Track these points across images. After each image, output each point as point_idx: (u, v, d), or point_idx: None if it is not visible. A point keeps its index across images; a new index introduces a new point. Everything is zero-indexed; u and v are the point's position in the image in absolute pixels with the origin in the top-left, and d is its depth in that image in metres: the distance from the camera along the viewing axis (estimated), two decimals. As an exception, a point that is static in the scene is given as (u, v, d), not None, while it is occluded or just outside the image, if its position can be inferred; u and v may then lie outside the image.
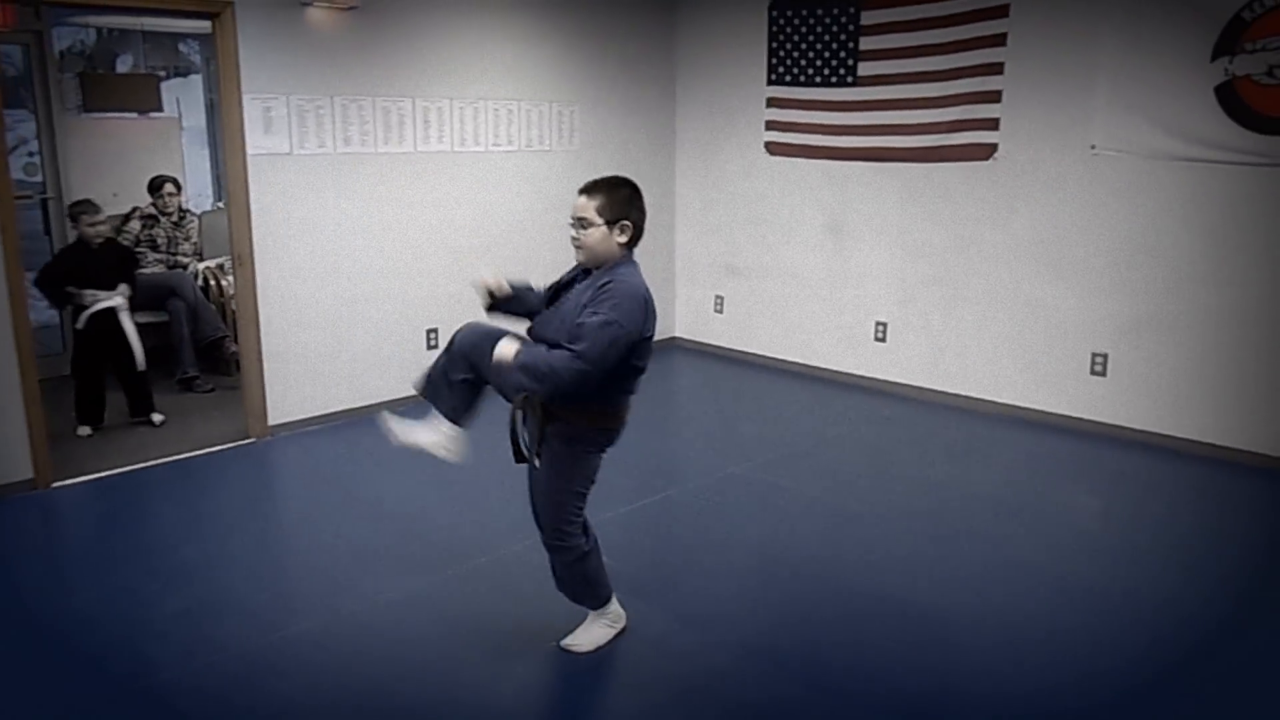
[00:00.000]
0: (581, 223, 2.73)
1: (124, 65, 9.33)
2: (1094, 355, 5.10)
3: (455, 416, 2.92)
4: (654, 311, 2.75)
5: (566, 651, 3.03)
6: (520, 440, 2.81)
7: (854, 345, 6.13)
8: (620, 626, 3.12)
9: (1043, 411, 5.31)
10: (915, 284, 5.77)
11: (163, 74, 7.73)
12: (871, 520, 4.07)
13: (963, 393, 5.64)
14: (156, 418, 5.25)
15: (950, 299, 5.63)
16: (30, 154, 6.53)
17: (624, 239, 2.76)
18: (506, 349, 2.67)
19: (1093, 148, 4.94)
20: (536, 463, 2.80)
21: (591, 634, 3.07)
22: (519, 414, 2.78)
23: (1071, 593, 3.43)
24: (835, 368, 6.24)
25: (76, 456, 4.71)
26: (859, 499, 4.29)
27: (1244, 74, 4.42)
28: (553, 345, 2.64)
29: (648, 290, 2.74)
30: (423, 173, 5.52)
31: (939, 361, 5.73)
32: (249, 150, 4.83)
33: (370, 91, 5.23)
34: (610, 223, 2.73)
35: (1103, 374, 5.08)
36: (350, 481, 4.53)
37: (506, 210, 5.97)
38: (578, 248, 2.77)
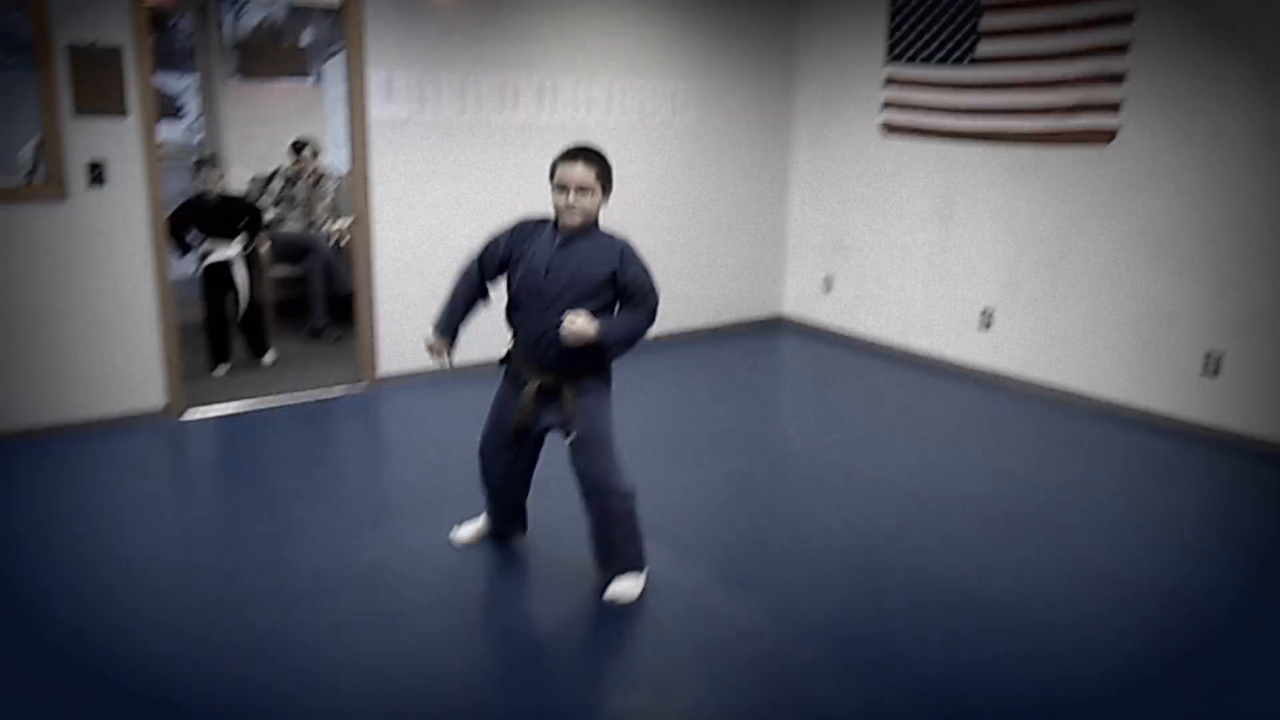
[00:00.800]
0: (583, 191, 2.90)
1: (306, 38, 10.06)
2: (1207, 354, 4.84)
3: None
4: None
5: (614, 602, 3.17)
6: (538, 421, 3.08)
7: (957, 331, 6.01)
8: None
9: (1145, 411, 5.09)
10: (1023, 271, 5.60)
11: (335, 50, 8.27)
12: (932, 503, 4.04)
13: (1064, 386, 5.45)
14: (267, 359, 5.74)
15: (1059, 288, 5.44)
16: (195, 117, 7.14)
17: (605, 203, 2.99)
18: (586, 327, 2.84)
19: (1219, 134, 4.67)
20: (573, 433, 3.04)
21: (629, 585, 3.21)
22: (533, 396, 3.03)
23: (1129, 596, 3.33)
24: (937, 354, 6.13)
25: (206, 391, 5.19)
26: (924, 482, 4.26)
27: (1389, 58, 4.10)
28: (574, 304, 2.90)
29: None
30: (535, 143, 5.74)
31: (1042, 352, 5.55)
32: (371, 116, 5.17)
33: (488, 64, 5.48)
34: (604, 189, 2.95)
35: (1215, 374, 4.82)
36: (439, 430, 4.82)
37: (616, 180, 6.12)
38: (571, 209, 2.92)
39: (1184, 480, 4.43)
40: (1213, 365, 4.83)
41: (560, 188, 2.92)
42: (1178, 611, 3.25)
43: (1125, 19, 4.92)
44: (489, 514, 3.51)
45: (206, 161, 5.62)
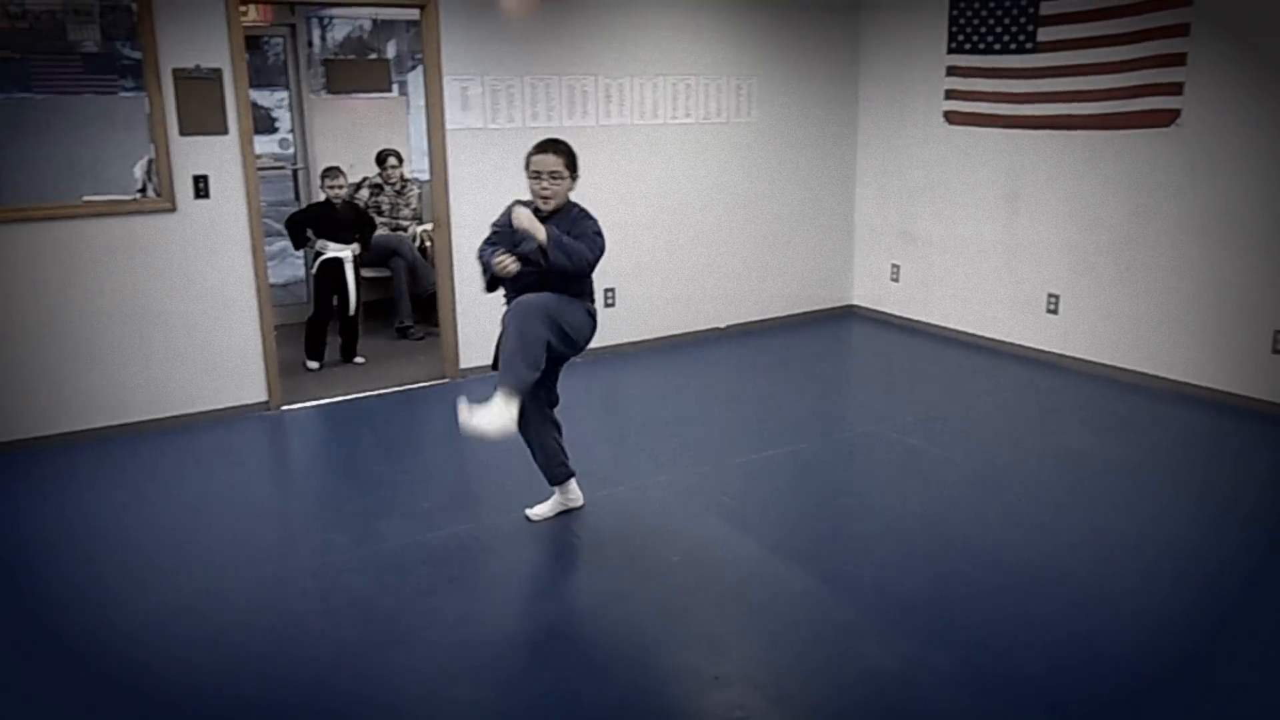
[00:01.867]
0: (554, 176, 3.38)
1: (390, 50, 10.55)
2: (1276, 332, 4.82)
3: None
4: None
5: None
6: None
7: (1026, 316, 6.05)
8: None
9: (1215, 390, 5.08)
10: (1089, 255, 5.63)
11: (420, 58, 8.67)
12: (993, 481, 4.15)
13: (1133, 367, 5.46)
14: (359, 360, 6.10)
15: (1125, 271, 5.45)
16: (289, 130, 7.59)
17: (573, 186, 3.47)
18: (538, 229, 3.22)
19: (1282, 112, 4.66)
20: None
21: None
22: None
23: (1181, 568, 3.41)
24: (1006, 338, 6.18)
25: (302, 386, 5.58)
26: (988, 462, 4.36)
27: None
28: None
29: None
30: (603, 144, 5.99)
31: (1110, 334, 5.57)
32: (448, 125, 5.48)
33: (557, 71, 5.75)
34: (571, 175, 3.43)
35: (1285, 352, 4.80)
36: (519, 419, 5.10)
37: (683, 179, 6.34)
38: (547, 197, 3.39)
39: (1253, 457, 4.43)
40: (1282, 343, 4.81)
41: (535, 175, 3.39)
42: (1237, 584, 3.31)
43: (1184, 0, 4.93)
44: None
45: (331, 170, 6.05)
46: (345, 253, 5.93)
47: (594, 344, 6.17)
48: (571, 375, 5.54)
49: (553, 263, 3.28)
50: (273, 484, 4.49)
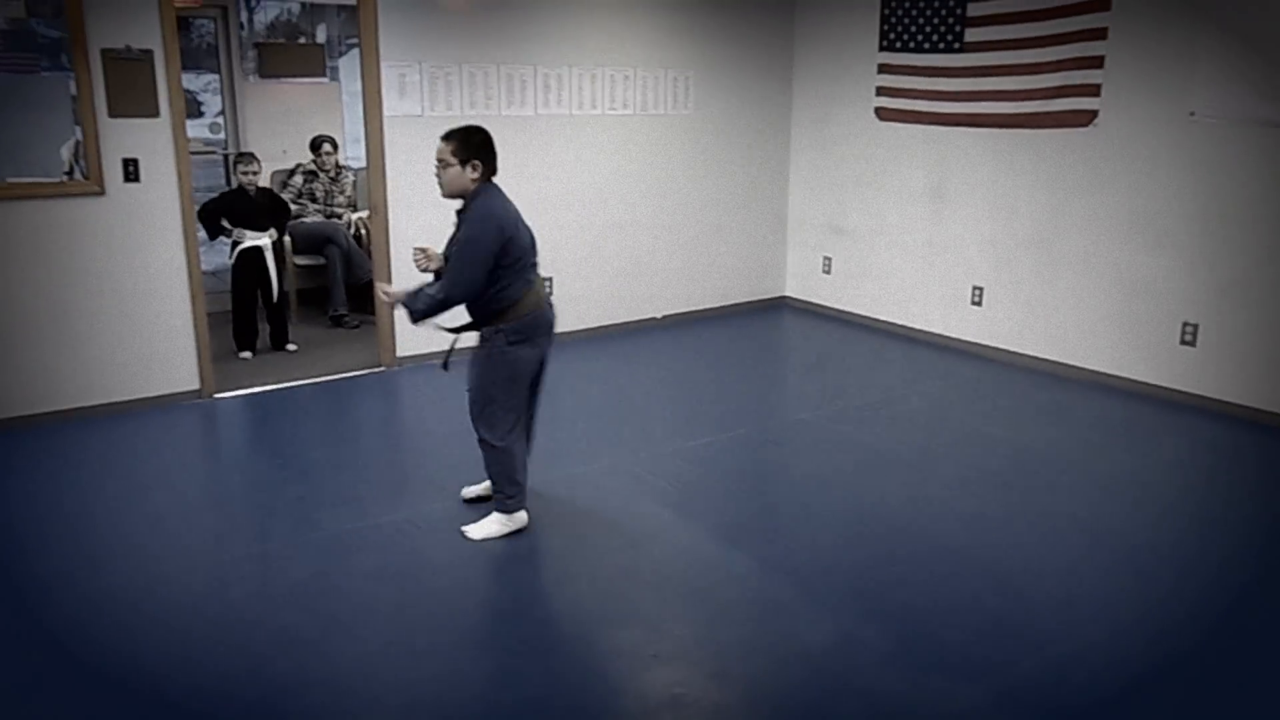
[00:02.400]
0: (441, 163, 3.38)
1: (321, 35, 10.41)
2: (1184, 324, 5.07)
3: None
4: (510, 222, 3.38)
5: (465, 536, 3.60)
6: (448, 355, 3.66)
7: (951, 308, 6.25)
8: (515, 528, 3.61)
9: (1130, 379, 5.33)
10: (1011, 249, 5.84)
11: (352, 43, 8.58)
12: (921, 467, 4.30)
13: (1053, 358, 5.69)
14: (290, 347, 6.03)
15: (1045, 265, 5.68)
16: (217, 115, 7.46)
17: (475, 175, 3.37)
18: (395, 296, 3.49)
19: (1191, 114, 4.89)
20: (445, 367, 3.67)
21: (488, 527, 3.61)
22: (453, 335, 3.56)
23: (1099, 549, 3.59)
24: (934, 330, 6.38)
25: (235, 374, 5.51)
26: (915, 449, 4.52)
27: (1349, 38, 4.31)
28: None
29: (501, 207, 3.38)
30: (542, 134, 6.02)
31: (1032, 326, 5.80)
32: (385, 112, 5.45)
33: (496, 59, 5.75)
34: (463, 162, 3.35)
35: (1192, 344, 5.05)
36: (454, 406, 5.09)
37: (621, 170, 6.40)
38: (440, 183, 3.42)
39: (1162, 444, 4.67)
40: (1189, 335, 5.06)
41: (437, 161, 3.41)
42: (1153, 564, 3.50)
43: (1103, 5, 5.14)
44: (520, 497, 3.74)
45: (245, 156, 5.93)
46: (263, 240, 5.84)
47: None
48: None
49: (419, 321, 3.42)
50: (207, 472, 4.44)
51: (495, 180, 3.45)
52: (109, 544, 3.56)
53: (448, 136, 3.39)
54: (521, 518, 3.64)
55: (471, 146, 3.37)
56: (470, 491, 3.88)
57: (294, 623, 3.05)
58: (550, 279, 6.22)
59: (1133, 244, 5.24)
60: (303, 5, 9.54)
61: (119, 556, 3.45)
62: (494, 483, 3.61)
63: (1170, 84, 4.96)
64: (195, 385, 5.13)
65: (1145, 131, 5.10)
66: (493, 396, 3.48)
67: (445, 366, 3.69)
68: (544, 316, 3.53)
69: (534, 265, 3.51)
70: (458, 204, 3.44)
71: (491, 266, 3.33)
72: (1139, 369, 5.30)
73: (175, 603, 3.17)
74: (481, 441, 3.55)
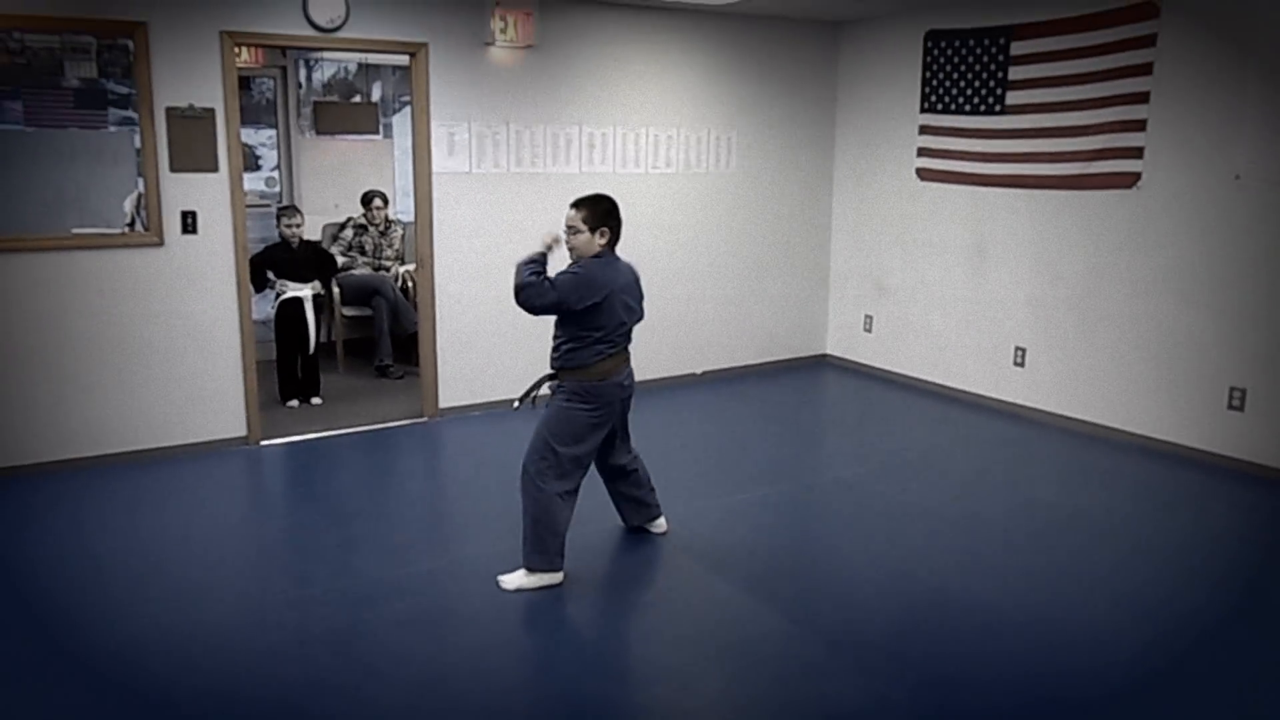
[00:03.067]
0: (572, 230, 3.59)
1: (376, 93, 10.74)
2: (1231, 389, 4.99)
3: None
4: (603, 292, 3.54)
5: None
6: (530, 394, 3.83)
7: (993, 368, 6.21)
8: (546, 584, 3.62)
9: (1174, 444, 5.24)
10: (1054, 310, 5.81)
11: (405, 101, 8.83)
12: (959, 528, 4.25)
13: (1095, 420, 5.62)
14: (315, 401, 6.07)
15: (1088, 326, 5.63)
16: (273, 169, 7.71)
17: (603, 241, 3.61)
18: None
19: (1237, 177, 4.87)
20: (516, 405, 3.85)
21: (520, 579, 3.61)
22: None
23: (1136, 617, 3.52)
24: (974, 390, 6.33)
25: (280, 422, 5.63)
26: (953, 509, 4.47)
27: (1395, 104, 4.28)
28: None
29: (605, 275, 3.58)
30: (586, 192, 6.11)
31: (1073, 388, 5.73)
32: (434, 169, 5.61)
33: (542, 119, 5.91)
34: (593, 229, 3.57)
35: (1240, 409, 4.96)
36: (493, 457, 5.17)
37: (664, 228, 6.49)
38: (570, 248, 3.61)
39: (1207, 510, 4.57)
40: (1237, 399, 4.97)
41: (566, 229, 3.64)
42: (1191, 635, 3.42)
43: (1145, 69, 5.16)
44: (548, 560, 3.68)
45: (288, 210, 6.12)
46: (305, 291, 5.98)
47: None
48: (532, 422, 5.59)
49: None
50: (250, 518, 4.53)
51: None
52: (152, 585, 3.64)
53: (578, 204, 3.60)
54: (553, 577, 3.62)
55: (600, 214, 3.59)
56: (509, 582, 3.64)
57: (328, 669, 3.08)
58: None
59: (1178, 306, 5.19)
60: (360, 65, 9.88)
61: (162, 598, 3.53)
62: (526, 531, 3.61)
63: (1215, 147, 4.94)
64: (242, 432, 5.25)
65: (1190, 194, 5.08)
66: (547, 443, 3.60)
67: (521, 405, 3.85)
68: (607, 388, 3.64)
69: (618, 339, 3.66)
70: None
71: (566, 312, 3.53)
72: (1185, 433, 5.21)
73: (215, 645, 3.22)
74: (525, 482, 3.61)
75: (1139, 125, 5.24)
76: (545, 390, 3.78)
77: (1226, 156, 4.91)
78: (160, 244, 4.91)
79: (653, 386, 6.61)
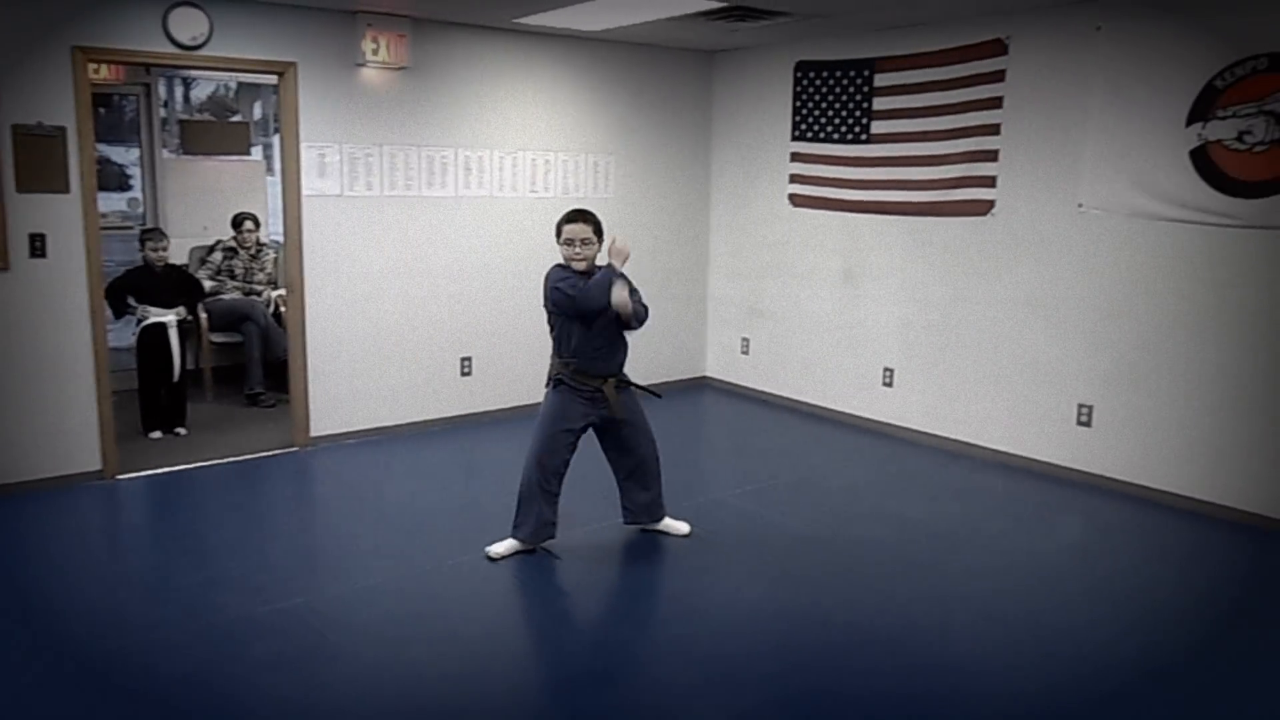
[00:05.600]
0: (585, 242, 3.92)
1: (256, 112, 10.46)
2: (1080, 406, 5.28)
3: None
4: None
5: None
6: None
7: (864, 389, 6.41)
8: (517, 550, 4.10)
9: (1030, 458, 5.50)
10: (919, 332, 6.04)
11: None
12: (833, 545, 4.36)
13: (959, 438, 5.86)
14: (180, 431, 5.83)
15: (950, 347, 5.88)
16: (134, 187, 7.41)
17: (600, 248, 3.99)
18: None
19: (1080, 206, 5.17)
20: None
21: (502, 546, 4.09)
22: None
23: (1000, 625, 3.67)
24: (847, 410, 6.52)
25: (142, 454, 5.39)
26: (826, 526, 4.59)
27: (1216, 139, 4.61)
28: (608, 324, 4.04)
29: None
30: (462, 216, 6.10)
31: (938, 407, 5.97)
32: (304, 191, 5.49)
33: (416, 141, 5.85)
34: (599, 240, 3.98)
35: (1088, 424, 5.25)
36: (366, 487, 5.07)
37: (541, 251, 6.46)
38: (582, 260, 3.93)
39: (1059, 522, 4.80)
40: (1085, 415, 5.26)
41: (568, 242, 3.93)
42: (1054, 640, 3.58)
43: (996, 102, 5.44)
44: (529, 529, 4.09)
45: (152, 233, 5.88)
46: (168, 317, 5.75)
47: (451, 412, 6.30)
48: (428, 444, 5.59)
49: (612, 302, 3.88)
50: (98, 557, 4.28)
51: None
52: (-10, 633, 3.42)
53: (583, 219, 3.92)
54: (514, 545, 4.08)
55: (601, 226, 3.97)
56: (498, 550, 4.09)
57: (186, 713, 2.95)
58: (470, 357, 6.26)
59: (1031, 328, 5.47)
60: (239, 84, 9.62)
61: (4, 645, 3.31)
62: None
63: (1060, 177, 5.24)
64: (97, 466, 5.00)
65: (1039, 221, 5.37)
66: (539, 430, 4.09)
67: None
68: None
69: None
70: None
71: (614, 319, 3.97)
72: (1039, 449, 5.48)
73: (63, 691, 3.04)
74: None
75: (992, 155, 5.51)
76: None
77: (1070, 186, 5.21)
78: (6, 269, 4.65)
79: (533, 411, 6.55)
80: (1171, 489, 4.95)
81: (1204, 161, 4.67)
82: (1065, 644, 3.50)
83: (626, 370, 4.19)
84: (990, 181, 5.54)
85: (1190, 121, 4.69)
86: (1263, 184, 4.49)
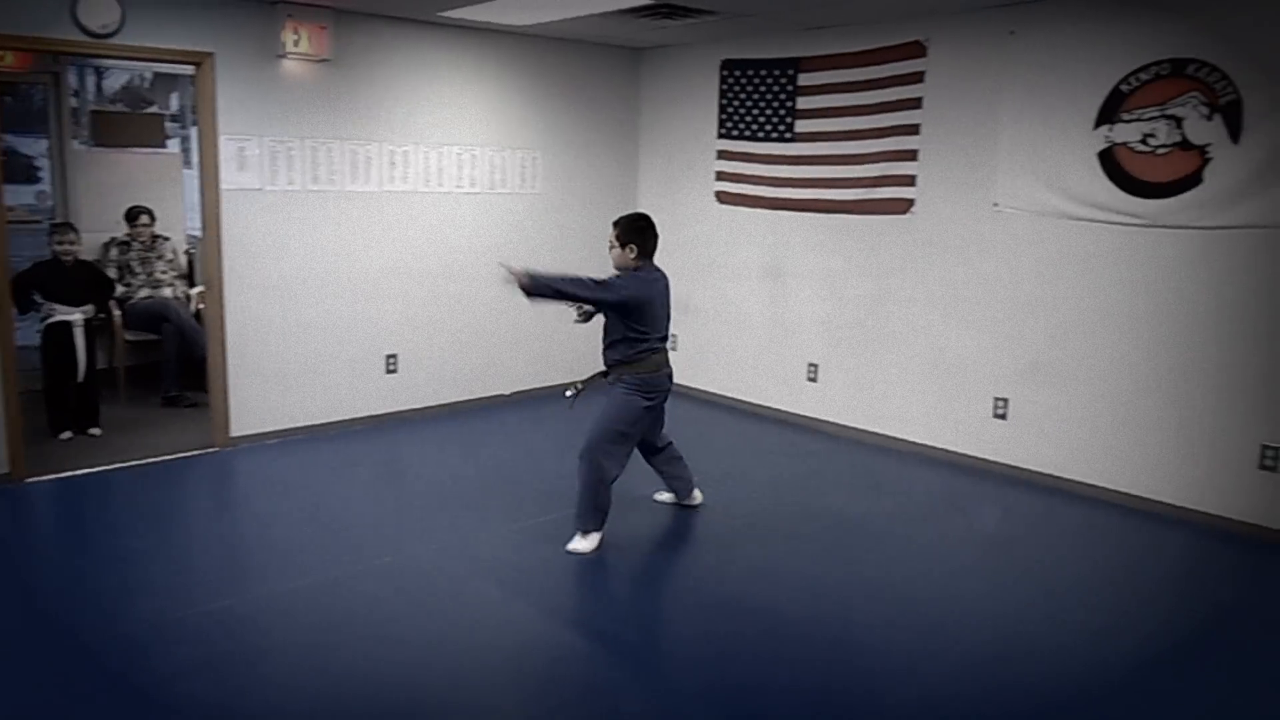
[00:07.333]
0: (610, 245, 4.22)
1: (174, 104, 10.14)
2: (996, 399, 5.44)
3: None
4: (645, 296, 4.16)
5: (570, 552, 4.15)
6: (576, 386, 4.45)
7: (789, 384, 6.51)
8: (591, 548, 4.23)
9: (949, 451, 5.66)
10: (842, 328, 6.16)
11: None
12: (757, 537, 4.43)
13: (881, 431, 5.99)
14: (94, 432, 5.67)
15: (871, 343, 6.01)
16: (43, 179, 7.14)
17: (633, 255, 4.19)
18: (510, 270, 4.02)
19: (995, 205, 5.32)
20: (569, 394, 4.43)
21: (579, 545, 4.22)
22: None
23: (915, 611, 3.77)
24: (775, 405, 6.62)
25: (54, 457, 5.21)
26: (752, 520, 4.65)
27: (1122, 141, 4.80)
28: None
29: (641, 283, 4.18)
30: (387, 210, 6.02)
31: (860, 401, 6.10)
32: (223, 185, 5.36)
33: (339, 135, 5.75)
34: (623, 245, 4.19)
35: (1004, 417, 5.41)
36: (289, 487, 4.98)
37: (468, 246, 6.45)
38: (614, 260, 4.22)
39: (976, 512, 4.95)
40: (1001, 408, 5.42)
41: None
42: (973, 622, 3.69)
43: (915, 103, 5.57)
44: (600, 520, 4.26)
45: (61, 227, 5.68)
46: (74, 315, 5.56)
47: (378, 410, 6.22)
48: (353, 442, 5.53)
49: (534, 296, 4.04)
50: (12, 562, 4.12)
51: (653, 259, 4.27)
52: (-111, 645, 3.28)
53: (616, 223, 4.24)
54: (595, 540, 4.21)
55: (630, 232, 4.18)
56: (583, 547, 4.22)
57: (95, 723, 2.88)
58: (395, 354, 6.19)
59: (948, 324, 5.62)
60: (155, 74, 9.33)
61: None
62: (581, 506, 4.21)
63: (977, 177, 5.39)
64: (4, 468, 4.83)
65: (956, 220, 5.51)
66: (616, 429, 4.17)
67: (573, 396, 4.43)
68: (658, 379, 4.24)
69: (660, 340, 4.26)
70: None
71: (620, 315, 4.12)
72: (958, 441, 5.63)
73: (-39, 707, 2.94)
74: (586, 464, 4.16)
75: (912, 155, 5.64)
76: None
77: (986, 185, 5.36)
78: (-98, 265, 4.46)
79: (459, 409, 6.54)
80: (1079, 478, 5.14)
81: (1111, 163, 4.85)
82: (981, 628, 3.62)
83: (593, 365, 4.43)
84: (910, 181, 5.67)
85: (1098, 124, 4.87)
86: (1165, 185, 4.69)
